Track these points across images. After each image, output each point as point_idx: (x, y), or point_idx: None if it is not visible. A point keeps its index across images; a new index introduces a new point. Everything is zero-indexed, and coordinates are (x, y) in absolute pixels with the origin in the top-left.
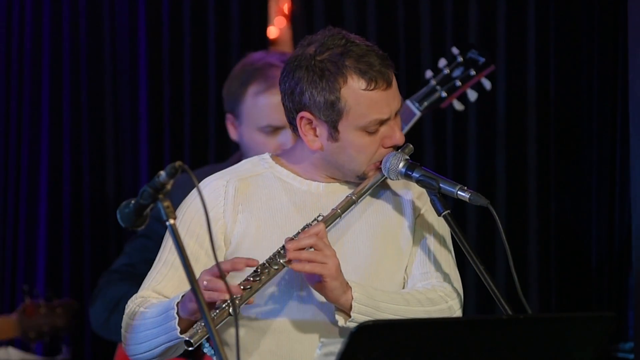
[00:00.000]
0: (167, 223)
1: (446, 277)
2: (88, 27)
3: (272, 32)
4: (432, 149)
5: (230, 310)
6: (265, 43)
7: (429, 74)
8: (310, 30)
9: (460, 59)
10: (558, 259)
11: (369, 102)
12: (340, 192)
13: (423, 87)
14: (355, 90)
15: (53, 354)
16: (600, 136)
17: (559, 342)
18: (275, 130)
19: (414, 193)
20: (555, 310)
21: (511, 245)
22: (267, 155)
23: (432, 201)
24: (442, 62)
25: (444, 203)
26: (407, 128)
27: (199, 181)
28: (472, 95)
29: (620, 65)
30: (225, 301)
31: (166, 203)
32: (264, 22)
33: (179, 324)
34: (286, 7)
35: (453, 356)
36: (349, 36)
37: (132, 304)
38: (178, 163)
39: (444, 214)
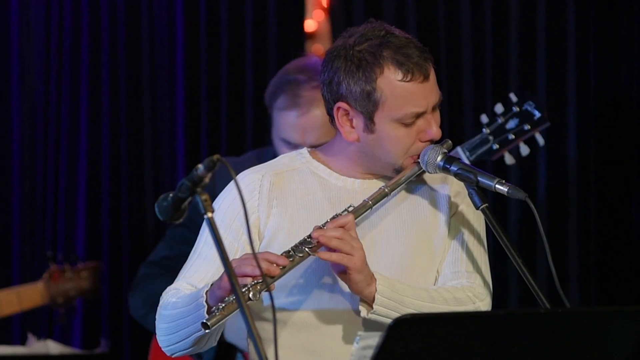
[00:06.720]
0: (205, 216)
1: (477, 278)
2: (126, 21)
3: (310, 25)
4: None
5: (250, 295)
6: (302, 36)
7: (484, 119)
8: (349, 23)
9: (516, 109)
10: (598, 254)
11: (405, 93)
12: (376, 188)
13: (476, 134)
14: (391, 81)
15: (92, 347)
16: None
17: (598, 336)
18: (295, 146)
19: (452, 190)
20: (595, 305)
21: (551, 240)
22: (304, 150)
23: (470, 194)
24: (499, 109)
25: (482, 196)
26: None
27: (218, 176)
28: (524, 150)
29: None
30: (245, 285)
31: (204, 196)
32: (302, 15)
33: (207, 312)
34: (325, 0)
35: (491, 350)
36: (390, 28)
37: (166, 296)
38: (216, 156)
39: (481, 207)
